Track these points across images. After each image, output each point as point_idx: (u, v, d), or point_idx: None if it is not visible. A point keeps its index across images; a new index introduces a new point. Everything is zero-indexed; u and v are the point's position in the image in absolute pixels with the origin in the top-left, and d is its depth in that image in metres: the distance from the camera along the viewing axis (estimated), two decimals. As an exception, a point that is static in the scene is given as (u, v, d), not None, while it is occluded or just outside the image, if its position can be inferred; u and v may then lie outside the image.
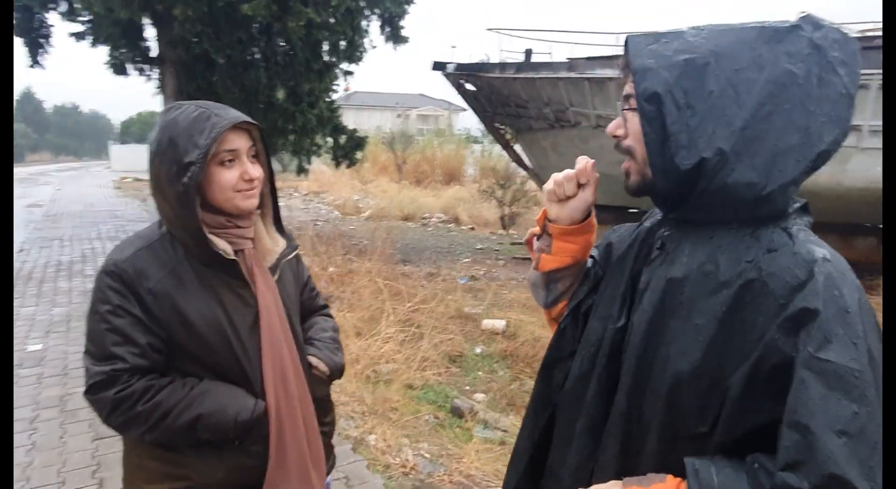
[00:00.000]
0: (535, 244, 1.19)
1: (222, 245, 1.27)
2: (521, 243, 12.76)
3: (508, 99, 9.60)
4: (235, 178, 1.26)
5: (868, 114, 6.91)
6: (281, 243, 1.43)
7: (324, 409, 1.47)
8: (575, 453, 1.03)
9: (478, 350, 5.86)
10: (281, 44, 9.15)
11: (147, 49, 9.58)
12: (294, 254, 1.45)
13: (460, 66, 9.68)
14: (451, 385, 4.96)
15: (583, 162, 1.10)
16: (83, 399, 1.25)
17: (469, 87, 10.04)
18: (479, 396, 4.78)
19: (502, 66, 9.04)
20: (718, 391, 0.86)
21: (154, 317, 1.22)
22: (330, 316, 1.64)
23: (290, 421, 1.32)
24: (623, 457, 0.96)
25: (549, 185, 1.11)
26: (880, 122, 5.66)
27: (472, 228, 15.61)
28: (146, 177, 1.63)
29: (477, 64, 9.34)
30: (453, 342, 5.83)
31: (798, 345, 0.79)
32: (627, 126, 0.99)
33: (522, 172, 13.55)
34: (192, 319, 1.23)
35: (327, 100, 10.08)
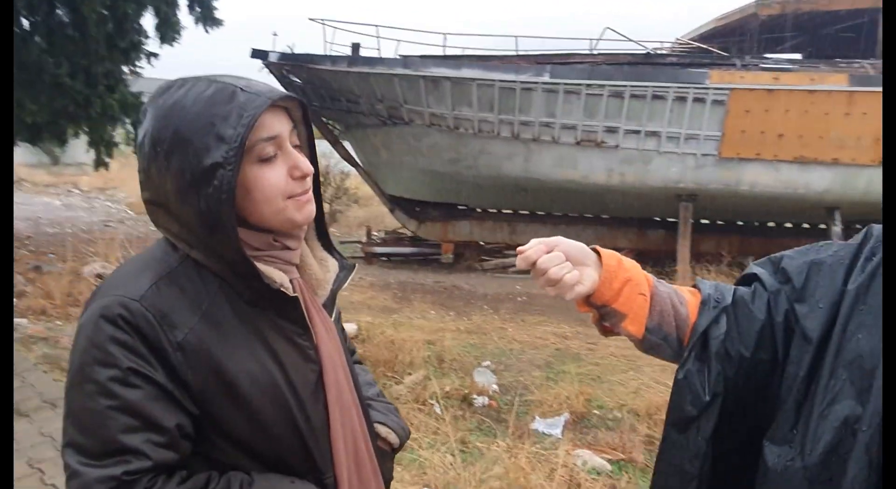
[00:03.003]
0: (611, 324, 0.96)
1: (278, 277, 0.89)
2: (348, 242, 12.46)
3: (339, 93, 9.26)
4: (283, 178, 0.88)
5: (665, 122, 7.90)
6: (333, 267, 1.03)
7: None
8: None
9: (335, 357, 5.54)
10: (66, 17, 7.77)
11: None
12: (349, 280, 1.05)
13: (285, 56, 9.10)
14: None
15: (527, 260, 0.91)
16: None
17: (294, 78, 9.49)
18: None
19: (333, 58, 8.68)
20: None
21: (185, 385, 0.82)
22: (361, 362, 1.26)
23: None
24: None
25: (556, 290, 0.90)
26: (676, 129, 6.49)
27: (292, 228, 14.89)
28: None
29: (305, 55, 8.85)
30: (307, 351, 5.43)
31: None
32: None
33: (344, 169, 13.26)
34: (241, 386, 0.84)
35: (128, 84, 8.81)
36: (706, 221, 9.89)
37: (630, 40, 9.35)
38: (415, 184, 9.61)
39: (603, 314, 0.95)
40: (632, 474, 3.57)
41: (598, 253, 0.93)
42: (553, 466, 3.43)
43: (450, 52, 9.53)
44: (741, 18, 9.21)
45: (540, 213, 10.06)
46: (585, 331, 6.92)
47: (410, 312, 7.26)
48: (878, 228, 0.87)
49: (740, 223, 9.98)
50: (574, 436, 4.00)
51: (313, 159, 0.97)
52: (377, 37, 9.26)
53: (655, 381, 5.11)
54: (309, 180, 0.92)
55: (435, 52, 9.53)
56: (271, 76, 9.42)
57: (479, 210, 10.15)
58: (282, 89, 0.92)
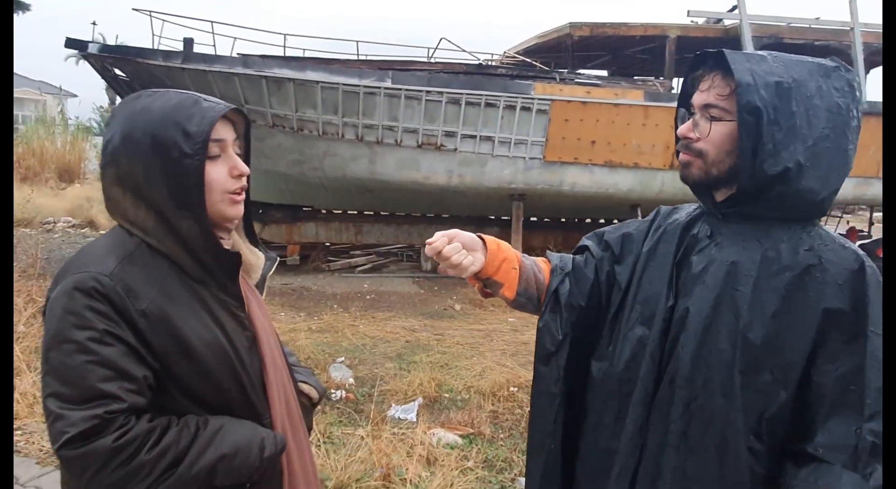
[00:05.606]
0: (491, 291, 1.26)
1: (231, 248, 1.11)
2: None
3: (171, 90, 8.76)
4: (224, 176, 1.09)
5: (497, 128, 8.62)
6: (261, 255, 1.27)
7: None
8: (631, 423, 1.12)
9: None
10: None
11: None
12: (274, 268, 1.29)
13: (109, 48, 8.45)
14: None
15: (434, 249, 1.16)
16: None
17: (119, 72, 8.83)
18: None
19: (166, 53, 8.22)
20: (782, 351, 1.03)
21: (148, 345, 1.01)
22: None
23: (297, 455, 1.21)
24: (688, 418, 1.07)
25: (456, 271, 1.17)
26: (507, 135, 7.33)
27: (116, 233, 13.69)
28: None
29: (133, 48, 8.26)
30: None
31: (865, 323, 1.01)
32: (699, 130, 1.12)
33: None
34: (193, 345, 1.04)
35: None
36: (535, 219, 10.91)
37: (464, 51, 10.02)
38: (257, 185, 9.35)
39: (486, 284, 1.27)
40: (480, 445, 4.00)
41: (482, 240, 1.25)
42: (412, 444, 3.75)
43: (290, 53, 9.48)
44: (558, 37, 10.26)
45: (384, 213, 10.39)
46: (432, 323, 7.36)
47: (259, 315, 7.17)
48: (665, 208, 1.30)
49: (563, 220, 11.15)
50: (428, 418, 4.35)
51: (248, 162, 1.20)
52: (213, 33, 8.94)
53: (497, 364, 5.66)
54: (244, 180, 1.14)
55: (274, 52, 9.43)
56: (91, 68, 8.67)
57: (324, 211, 10.22)
58: (232, 105, 1.13)
